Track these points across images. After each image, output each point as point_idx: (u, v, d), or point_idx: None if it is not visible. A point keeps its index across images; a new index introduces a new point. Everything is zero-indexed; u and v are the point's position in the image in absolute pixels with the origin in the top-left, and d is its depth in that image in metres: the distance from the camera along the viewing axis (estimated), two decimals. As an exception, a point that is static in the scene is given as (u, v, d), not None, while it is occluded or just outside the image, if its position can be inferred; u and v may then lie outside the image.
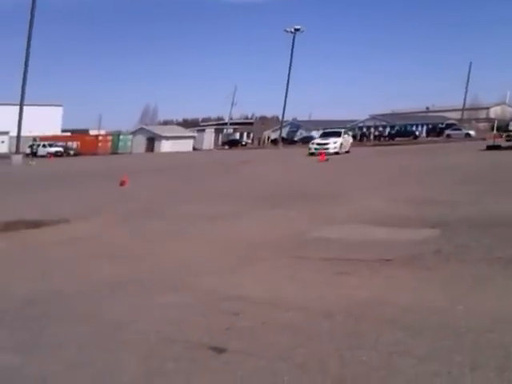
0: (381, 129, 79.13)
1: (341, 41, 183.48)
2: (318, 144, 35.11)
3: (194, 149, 72.68)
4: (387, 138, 70.04)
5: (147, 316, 4.61)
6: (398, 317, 4.25)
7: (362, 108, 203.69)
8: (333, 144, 34.56)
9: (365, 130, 79.12)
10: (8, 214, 10.80)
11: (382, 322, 4.16)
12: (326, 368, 3.42)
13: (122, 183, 16.97)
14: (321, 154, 29.81)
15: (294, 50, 61.82)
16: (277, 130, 74.11)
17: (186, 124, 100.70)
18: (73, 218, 10.31)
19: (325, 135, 38.27)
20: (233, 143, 78.19)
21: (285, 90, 63.82)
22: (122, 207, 12.25)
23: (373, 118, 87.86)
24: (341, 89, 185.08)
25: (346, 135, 37.96)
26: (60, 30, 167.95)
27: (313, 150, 34.07)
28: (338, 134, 36.75)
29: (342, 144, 35.24)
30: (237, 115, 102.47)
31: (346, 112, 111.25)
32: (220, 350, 3.74)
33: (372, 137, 71.89)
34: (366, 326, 4.09)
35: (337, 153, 33.21)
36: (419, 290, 4.93)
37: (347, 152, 35.35)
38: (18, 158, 41.15)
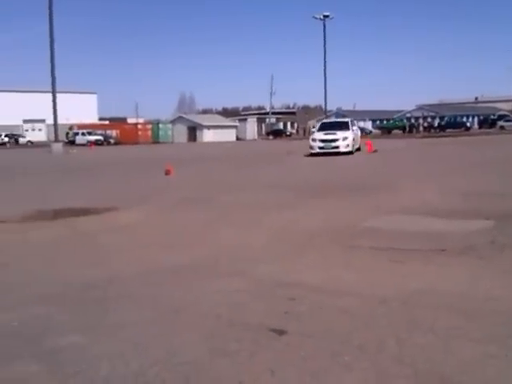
0: (430, 120, 77.40)
1: (387, 28, 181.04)
2: (324, 141, 25.11)
3: (238, 138, 72.88)
4: (437, 130, 68.78)
5: (205, 300, 4.73)
6: (454, 303, 4.31)
7: (407, 98, 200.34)
8: (343, 141, 24.92)
9: (413, 120, 77.53)
10: (57, 203, 11.19)
11: (438, 307, 4.23)
12: (384, 349, 3.53)
13: (168, 172, 17.20)
14: (369, 146, 25.73)
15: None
16: (321, 119, 73.55)
17: (226, 113, 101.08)
18: (121, 206, 10.51)
19: (326, 127, 27.31)
20: (277, 133, 77.96)
21: (323, 79, 62.91)
22: (170, 196, 12.42)
23: (420, 108, 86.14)
24: (386, 78, 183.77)
25: (354, 127, 27.65)
26: (96, 17, 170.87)
27: (317, 150, 24.89)
28: (344, 126, 26.47)
29: (353, 139, 25.77)
30: (278, 104, 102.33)
31: (391, 102, 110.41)
32: (280, 332, 3.86)
33: (421, 128, 70.62)
34: (421, 312, 4.17)
35: (350, 152, 24.82)
36: (474, 279, 4.96)
37: (357, 150, 26.76)
38: (58, 147, 41.17)
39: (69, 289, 5.25)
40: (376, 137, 54.47)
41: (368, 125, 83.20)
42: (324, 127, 27.35)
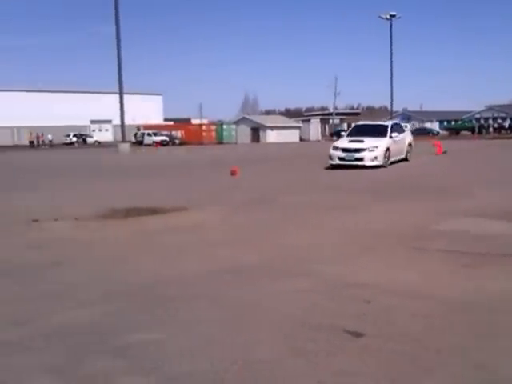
0: (500, 120, 74.56)
1: (455, 28, 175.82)
2: (346, 150, 19.15)
3: (301, 139, 72.75)
4: (508, 131, 66.27)
5: (276, 300, 4.76)
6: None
7: (476, 98, 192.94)
8: (370, 151, 18.81)
9: (482, 121, 74.79)
10: (127, 201, 11.55)
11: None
12: (464, 354, 3.47)
13: (233, 173, 17.39)
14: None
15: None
16: (386, 121, 72.15)
17: (289, 114, 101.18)
18: (189, 206, 10.71)
19: (358, 132, 20.91)
20: (340, 134, 77.35)
21: (390, 79, 61.72)
22: (237, 196, 12.58)
23: (490, 108, 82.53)
24: (454, 78, 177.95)
25: (395, 133, 20.40)
26: (163, 18, 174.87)
27: (336, 161, 19.13)
28: (380, 131, 20.10)
29: (387, 149, 19.26)
30: (341, 105, 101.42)
31: (459, 102, 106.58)
32: (357, 334, 3.85)
33: (491, 129, 68.03)
34: (500, 316, 4.08)
35: (381, 165, 18.76)
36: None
37: (404, 160, 21.12)
38: (125, 147, 42.02)
39: (138, 286, 5.38)
40: (444, 138, 53.16)
41: (435, 126, 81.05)
42: (355, 132, 21.12)
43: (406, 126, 30.19)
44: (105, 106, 73.09)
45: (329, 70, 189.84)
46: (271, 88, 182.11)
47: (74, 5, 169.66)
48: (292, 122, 78.72)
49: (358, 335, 3.85)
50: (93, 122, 77.26)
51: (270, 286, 5.19)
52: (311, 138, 73.80)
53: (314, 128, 77.65)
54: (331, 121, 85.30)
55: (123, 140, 44.04)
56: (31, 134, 63.75)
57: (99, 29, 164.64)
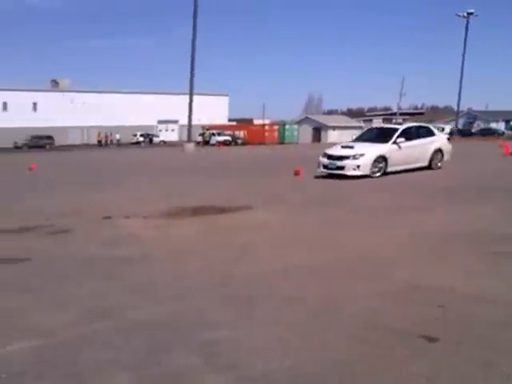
0: None
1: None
2: (330, 157, 17.09)
3: (363, 139, 71.99)
4: None
5: (347, 302, 4.75)
6: None
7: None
8: (353, 159, 16.51)
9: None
10: (193, 200, 11.80)
11: None
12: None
13: (297, 172, 17.39)
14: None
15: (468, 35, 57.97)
16: (451, 121, 70.17)
17: (351, 114, 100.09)
18: (255, 205, 10.85)
19: (367, 137, 18.65)
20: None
21: (459, 79, 59.86)
22: (301, 196, 12.58)
23: (559, 107, 78.74)
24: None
25: (403, 138, 17.34)
26: (227, 20, 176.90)
27: (321, 169, 17.20)
28: (387, 136, 17.57)
29: (381, 157, 16.72)
30: (405, 105, 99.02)
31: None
32: (431, 339, 3.80)
33: None
34: None
35: (366, 176, 16.26)
36: None
37: (428, 168, 17.86)
38: (190, 147, 42.78)
39: (213, 283, 5.47)
40: (509, 138, 51.22)
41: (501, 126, 77.98)
42: (364, 136, 18.99)
43: (442, 129, 25.88)
44: (172, 106, 74.60)
45: (393, 70, 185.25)
46: (334, 88, 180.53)
47: (145, 7, 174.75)
48: (354, 122, 77.89)
49: (432, 340, 3.79)
50: (160, 122, 79.16)
51: (341, 288, 5.19)
52: (373, 138, 72.85)
53: (376, 128, 76.45)
54: (394, 121, 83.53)
55: (189, 140, 44.86)
56: (99, 133, 66.19)
57: (169, 30, 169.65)
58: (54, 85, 75.30)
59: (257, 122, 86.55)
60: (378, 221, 8.90)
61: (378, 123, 77.01)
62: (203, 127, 66.30)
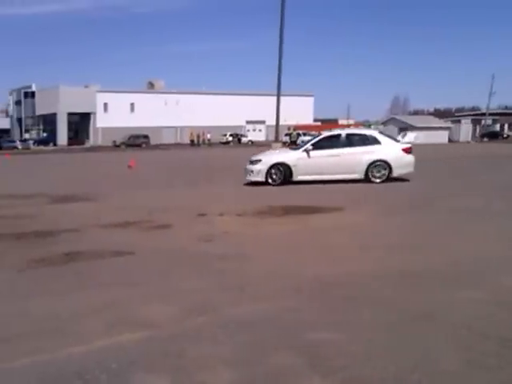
0: None
1: None
2: (250, 162, 16.74)
3: (450, 140, 69.80)
4: None
5: (451, 309, 4.64)
6: None
7: None
8: (253, 165, 16.43)
9: None
10: (284, 199, 12.00)
11: None
12: None
13: None
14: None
15: None
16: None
17: (438, 114, 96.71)
18: (346, 206, 10.85)
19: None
20: (492, 135, 73.06)
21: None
22: (390, 198, 12.50)
23: None
24: None
25: (312, 146, 16.28)
26: (311, 21, 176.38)
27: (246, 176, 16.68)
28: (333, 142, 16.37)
29: (282, 164, 16.06)
30: (494, 105, 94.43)
31: None
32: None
33: None
34: None
35: (264, 182, 16.00)
36: None
37: (364, 180, 15.87)
38: (277, 146, 43.71)
39: (310, 284, 5.47)
40: None
41: None
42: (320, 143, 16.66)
43: (403, 136, 21.19)
44: (259, 107, 76.25)
45: (481, 68, 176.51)
46: (420, 88, 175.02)
47: (231, 13, 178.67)
48: (442, 123, 75.42)
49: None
50: (248, 122, 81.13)
51: (441, 295, 5.05)
52: (460, 139, 70.29)
53: (465, 129, 73.64)
54: (483, 121, 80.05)
55: (276, 140, 45.65)
56: (192, 133, 68.83)
57: (257, 34, 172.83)
58: (150, 86, 79.13)
59: (342, 122, 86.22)
60: (472, 225, 8.54)
61: (466, 124, 74.31)
62: (289, 128, 66.93)
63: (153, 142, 67.43)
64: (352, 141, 16.38)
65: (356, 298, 5.00)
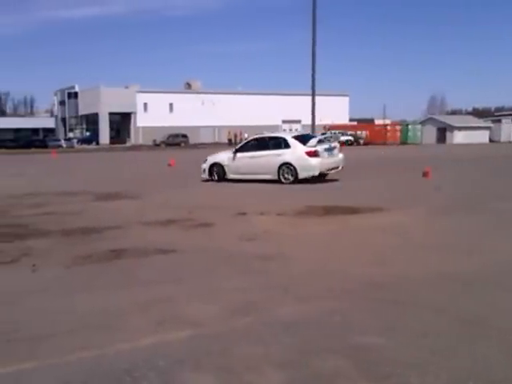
0: None
1: None
2: (203, 161, 18.93)
3: (491, 140, 68.20)
4: None
5: (504, 314, 4.54)
6: None
7: None
8: (203, 163, 18.65)
9: None
10: (323, 200, 11.89)
11: None
12: None
13: (425, 174, 16.91)
14: None
15: None
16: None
17: (477, 113, 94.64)
18: (386, 207, 10.72)
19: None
20: None
21: None
22: (432, 199, 12.26)
23: None
24: None
25: (240, 148, 18.33)
26: (346, 21, 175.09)
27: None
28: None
29: (216, 164, 18.15)
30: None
31: None
32: None
33: None
34: None
35: (208, 180, 18.13)
36: None
37: (275, 181, 16.82)
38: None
39: (356, 285, 5.40)
40: None
41: None
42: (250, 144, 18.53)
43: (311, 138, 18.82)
44: (295, 106, 76.42)
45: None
46: (458, 87, 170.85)
47: (268, 14, 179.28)
48: (481, 123, 73.72)
49: None
50: (284, 121, 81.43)
51: (495, 300, 4.93)
52: (502, 139, 68.50)
53: (506, 129, 71.77)
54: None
55: (312, 139, 45.56)
56: (229, 132, 69.44)
57: (291, 33, 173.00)
58: (187, 87, 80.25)
59: (378, 122, 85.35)
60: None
61: (507, 123, 72.42)
62: (325, 127, 66.73)
63: (191, 141, 68.26)
64: (269, 144, 17.55)
65: (402, 302, 4.90)
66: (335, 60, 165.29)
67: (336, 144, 18.37)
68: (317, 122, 46.40)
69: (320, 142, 17.25)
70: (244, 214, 10.32)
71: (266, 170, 17.19)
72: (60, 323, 4.57)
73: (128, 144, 71.38)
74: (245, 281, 5.71)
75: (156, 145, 65.21)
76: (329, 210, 10.50)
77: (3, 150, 57.09)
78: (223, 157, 18.39)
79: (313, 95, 44.05)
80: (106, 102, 70.90)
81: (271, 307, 4.83)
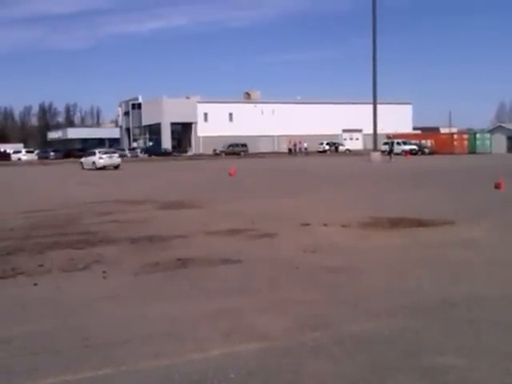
0: None
1: None
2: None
3: None
4: None
5: None
6: None
7: None
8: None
9: None
10: (387, 211, 11.63)
11: None
12: None
13: (498, 186, 16.28)
14: None
15: None
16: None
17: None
18: (456, 220, 10.29)
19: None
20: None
21: None
22: (507, 211, 11.78)
23: None
24: None
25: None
26: (409, 28, 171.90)
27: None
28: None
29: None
30: None
31: None
32: None
33: None
34: None
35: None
36: None
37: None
38: (376, 155, 42.43)
39: (429, 303, 5.23)
40: None
41: None
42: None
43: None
44: (355, 115, 75.75)
45: None
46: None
47: (324, 21, 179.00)
48: (557, 130, 70.17)
49: None
50: (344, 131, 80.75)
51: None
52: None
53: None
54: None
55: (374, 149, 44.78)
56: (290, 141, 69.53)
57: (354, 42, 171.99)
58: (247, 97, 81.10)
59: (443, 130, 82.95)
60: None
61: None
62: (388, 136, 65.59)
63: (251, 150, 68.70)
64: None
65: (480, 321, 4.71)
66: (398, 68, 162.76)
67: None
68: (378, 131, 45.57)
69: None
70: (307, 224, 10.20)
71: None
72: (132, 330, 4.64)
73: (189, 153, 72.72)
74: (312, 293, 5.63)
75: (216, 154, 66.09)
76: (395, 223, 10.19)
77: (72, 160, 59.38)
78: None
79: (374, 104, 43.29)
80: (168, 112, 72.56)
81: (340, 322, 4.74)
